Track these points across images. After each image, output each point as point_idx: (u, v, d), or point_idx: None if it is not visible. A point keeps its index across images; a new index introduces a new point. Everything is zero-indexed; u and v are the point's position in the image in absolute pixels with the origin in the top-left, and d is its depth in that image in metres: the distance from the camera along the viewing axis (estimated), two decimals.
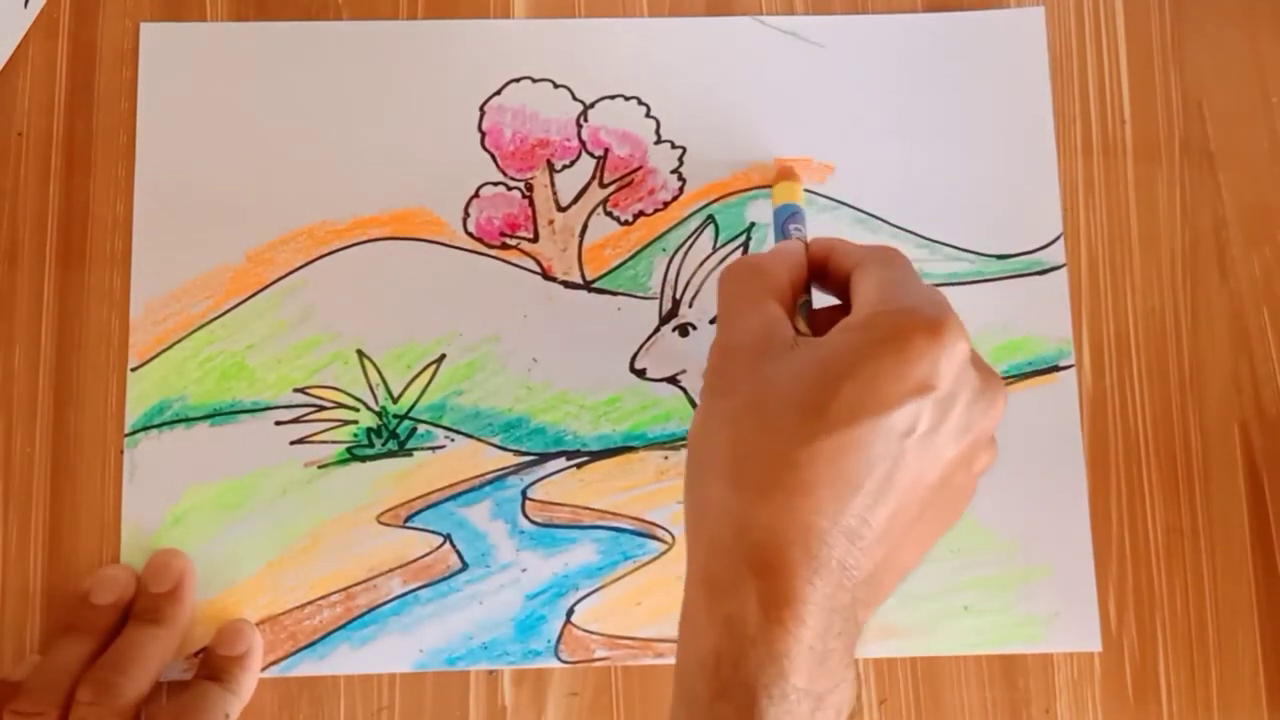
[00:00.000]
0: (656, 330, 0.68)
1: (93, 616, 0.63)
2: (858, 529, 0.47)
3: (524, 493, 0.67)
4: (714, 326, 0.66)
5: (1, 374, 0.67)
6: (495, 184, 0.69)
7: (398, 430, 0.67)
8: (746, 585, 0.47)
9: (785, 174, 0.68)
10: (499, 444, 0.67)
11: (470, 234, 0.69)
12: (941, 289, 0.67)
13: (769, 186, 0.69)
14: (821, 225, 0.69)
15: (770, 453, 0.48)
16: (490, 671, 0.65)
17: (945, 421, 0.49)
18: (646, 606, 0.66)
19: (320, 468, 0.67)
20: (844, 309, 0.55)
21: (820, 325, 0.55)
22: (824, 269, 0.58)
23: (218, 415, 0.67)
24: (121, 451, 0.66)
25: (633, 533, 0.66)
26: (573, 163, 0.70)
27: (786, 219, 0.64)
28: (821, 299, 0.58)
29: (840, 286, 0.56)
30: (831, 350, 0.50)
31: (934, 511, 0.51)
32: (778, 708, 0.46)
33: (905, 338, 0.49)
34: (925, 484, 0.50)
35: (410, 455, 0.67)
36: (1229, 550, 0.68)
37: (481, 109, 0.70)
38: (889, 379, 0.48)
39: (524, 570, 0.66)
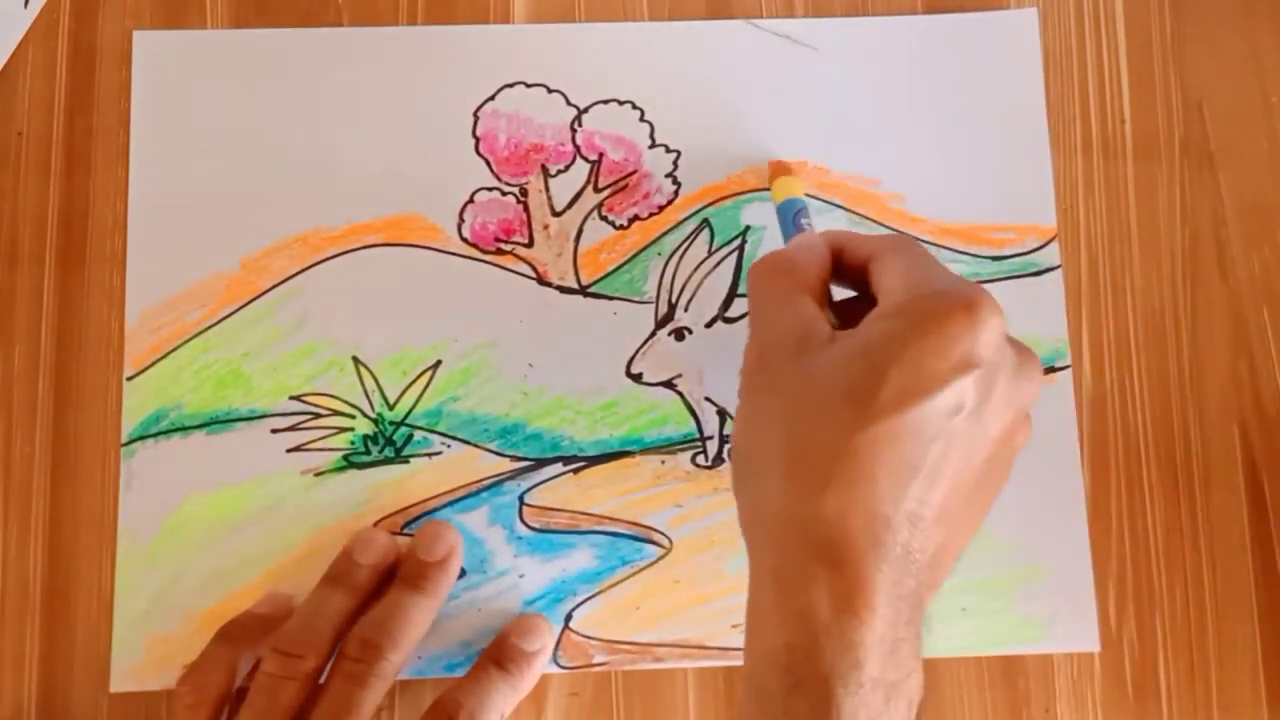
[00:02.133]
0: (652, 334, 0.69)
1: (355, 573, 0.64)
2: (918, 511, 0.49)
3: (521, 498, 0.67)
4: (710, 330, 0.68)
5: (1, 373, 0.68)
6: (490, 189, 0.70)
7: (394, 437, 0.68)
8: (817, 579, 0.48)
9: (781, 170, 0.69)
10: (495, 450, 0.68)
11: (465, 240, 0.69)
12: None
13: (765, 188, 0.70)
14: (817, 228, 0.68)
15: (826, 445, 0.49)
16: None
17: (990, 397, 0.50)
18: (645, 611, 0.66)
19: (317, 475, 0.67)
20: (862, 301, 0.56)
21: (842, 318, 0.56)
22: (838, 263, 0.58)
23: (214, 424, 0.67)
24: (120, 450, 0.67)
25: (630, 537, 0.67)
26: (567, 167, 0.70)
27: (795, 213, 0.64)
28: (837, 292, 0.59)
29: (856, 279, 0.57)
30: (872, 339, 0.51)
31: (983, 489, 0.53)
32: (853, 698, 0.47)
33: (944, 318, 0.50)
34: (976, 461, 0.51)
35: (407, 462, 0.67)
36: (1229, 550, 0.68)
37: (475, 114, 0.71)
38: (933, 360, 0.49)
39: (522, 576, 0.67)
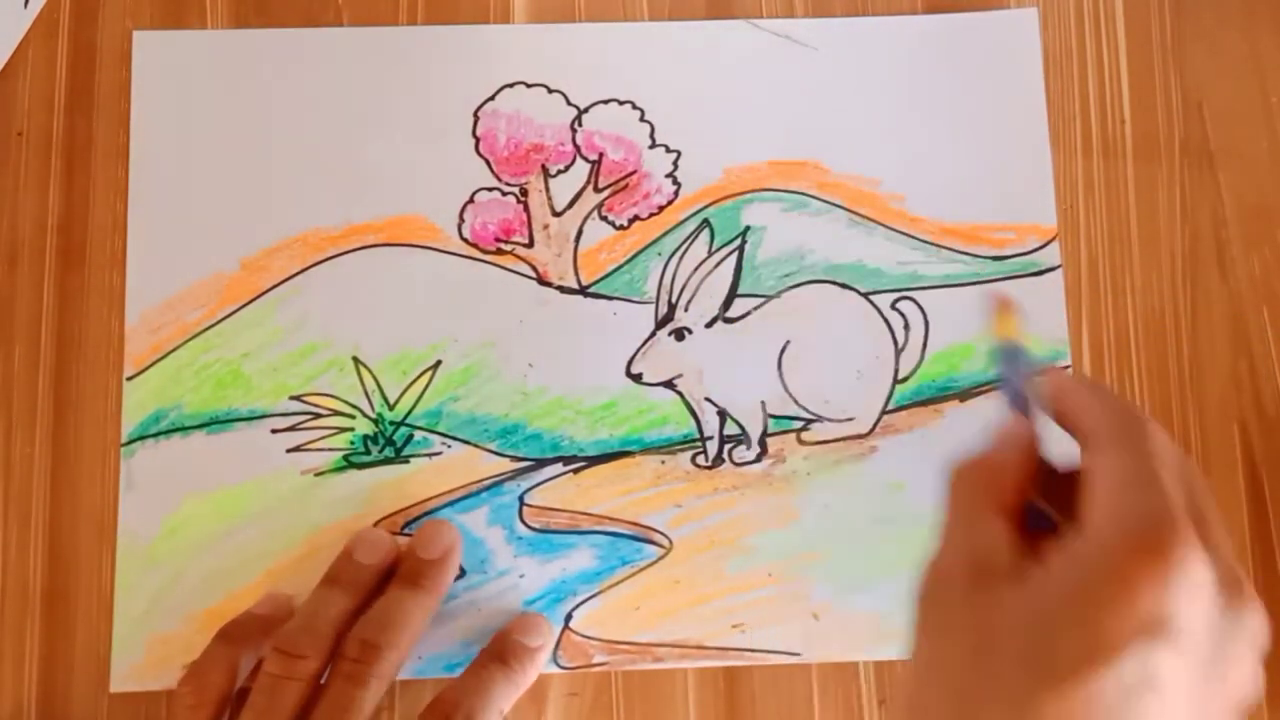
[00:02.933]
0: (652, 335, 0.69)
1: (356, 573, 0.64)
2: None
3: (521, 498, 0.68)
4: (710, 330, 0.69)
5: (1, 373, 0.68)
6: (490, 190, 0.70)
7: (394, 437, 0.68)
8: None
9: (1005, 308, 0.59)
10: (495, 450, 0.68)
11: (465, 240, 0.70)
12: (939, 291, 0.69)
13: (764, 189, 0.71)
14: (817, 228, 0.70)
15: (999, 712, 0.44)
16: None
17: (1187, 663, 0.43)
18: (645, 611, 0.67)
19: (317, 475, 0.68)
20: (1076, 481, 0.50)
21: (1054, 499, 0.51)
22: (1060, 414, 0.53)
23: (214, 424, 0.68)
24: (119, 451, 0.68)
25: (630, 537, 0.67)
26: (567, 168, 0.71)
27: (1018, 367, 0.57)
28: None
29: (1073, 437, 0.52)
30: (1052, 590, 0.46)
31: None
32: None
33: (1128, 569, 0.44)
34: None
35: (407, 462, 0.68)
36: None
37: (475, 115, 0.71)
38: (1113, 620, 0.43)
39: (522, 576, 0.67)
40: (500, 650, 0.65)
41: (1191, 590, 0.43)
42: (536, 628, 0.66)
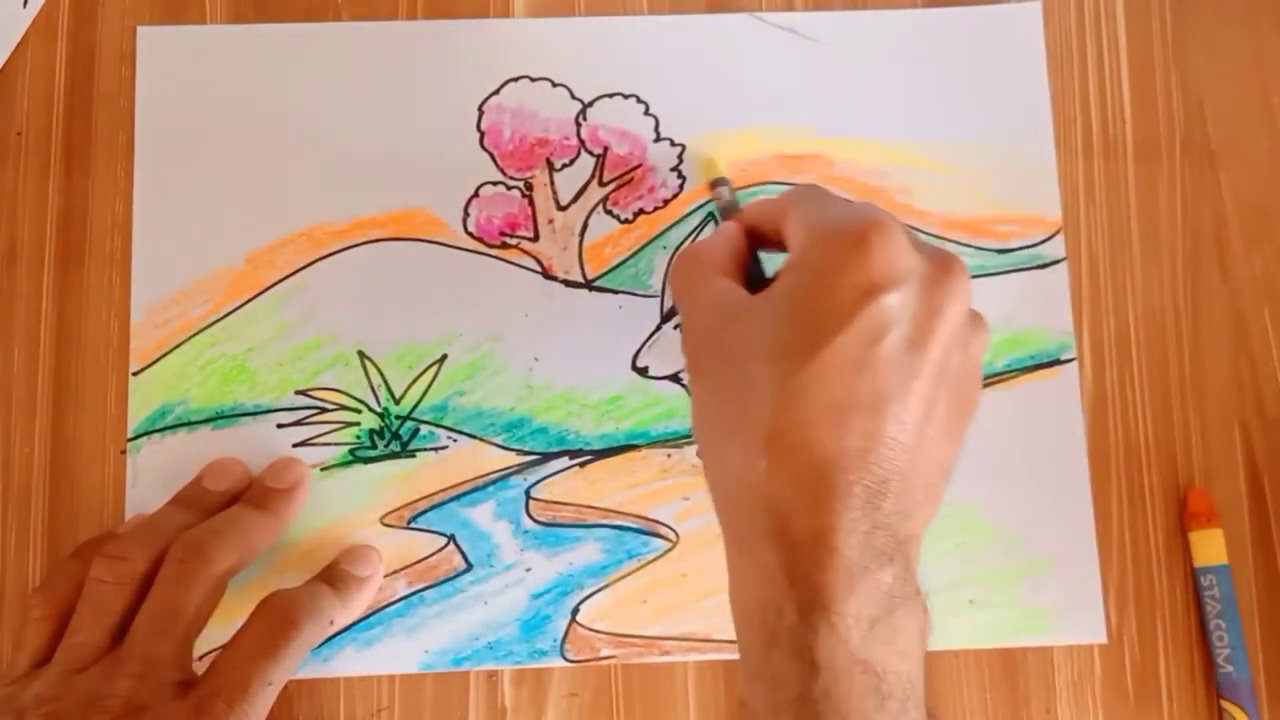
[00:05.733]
0: (658, 328, 0.70)
1: (202, 497, 0.66)
2: (866, 445, 0.50)
3: (527, 492, 0.69)
4: None
5: (1, 373, 0.69)
6: (495, 184, 0.72)
7: (400, 431, 0.69)
8: (771, 533, 0.50)
9: (708, 160, 0.73)
10: (502, 444, 0.69)
11: (470, 234, 0.71)
12: None
13: (772, 182, 0.73)
14: None
15: (759, 406, 0.51)
16: (490, 673, 0.68)
17: (909, 314, 0.52)
18: (652, 604, 0.68)
19: (323, 470, 0.69)
20: None
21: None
22: (762, 235, 0.61)
23: (220, 419, 0.69)
24: (122, 452, 0.68)
25: (637, 530, 0.69)
26: (572, 161, 0.72)
27: (714, 185, 0.70)
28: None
29: (780, 244, 0.59)
30: (777, 295, 0.53)
31: (945, 402, 0.53)
32: (826, 638, 0.49)
33: (837, 255, 0.52)
34: (920, 380, 0.52)
35: (413, 456, 0.69)
36: (1229, 550, 0.69)
37: (480, 109, 0.72)
38: (833, 297, 0.51)
39: (528, 570, 0.68)
40: (330, 575, 0.66)
41: (888, 257, 0.52)
42: (365, 558, 0.68)
